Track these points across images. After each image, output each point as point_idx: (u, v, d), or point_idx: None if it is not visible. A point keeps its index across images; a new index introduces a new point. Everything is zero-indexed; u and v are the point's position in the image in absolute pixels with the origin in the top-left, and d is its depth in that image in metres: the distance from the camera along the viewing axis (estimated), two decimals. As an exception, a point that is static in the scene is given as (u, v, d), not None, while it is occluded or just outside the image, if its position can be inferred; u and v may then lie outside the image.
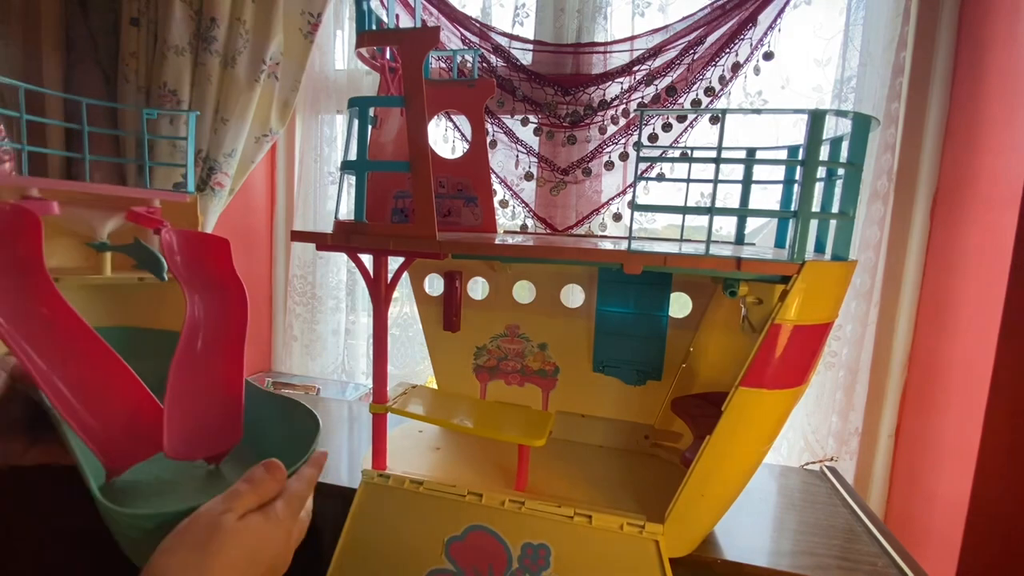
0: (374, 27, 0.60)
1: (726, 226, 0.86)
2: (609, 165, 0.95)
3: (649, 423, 0.66)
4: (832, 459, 0.88)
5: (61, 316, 0.55)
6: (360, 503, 0.56)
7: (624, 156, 0.94)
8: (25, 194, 0.67)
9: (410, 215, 0.68)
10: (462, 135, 1.00)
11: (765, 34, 0.86)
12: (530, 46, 0.96)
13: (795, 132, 0.89)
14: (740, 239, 0.63)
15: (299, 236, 0.55)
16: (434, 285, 0.71)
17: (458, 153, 0.99)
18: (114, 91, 0.96)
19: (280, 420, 0.59)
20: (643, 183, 0.93)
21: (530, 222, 1.00)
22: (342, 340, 1.18)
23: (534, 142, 0.98)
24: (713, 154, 0.42)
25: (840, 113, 0.44)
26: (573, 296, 0.66)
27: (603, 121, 0.93)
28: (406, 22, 0.89)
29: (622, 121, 0.93)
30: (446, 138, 1.02)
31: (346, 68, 1.12)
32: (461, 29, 0.96)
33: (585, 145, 0.95)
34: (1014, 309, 0.66)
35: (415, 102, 0.47)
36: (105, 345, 0.56)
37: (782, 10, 0.84)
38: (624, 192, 0.96)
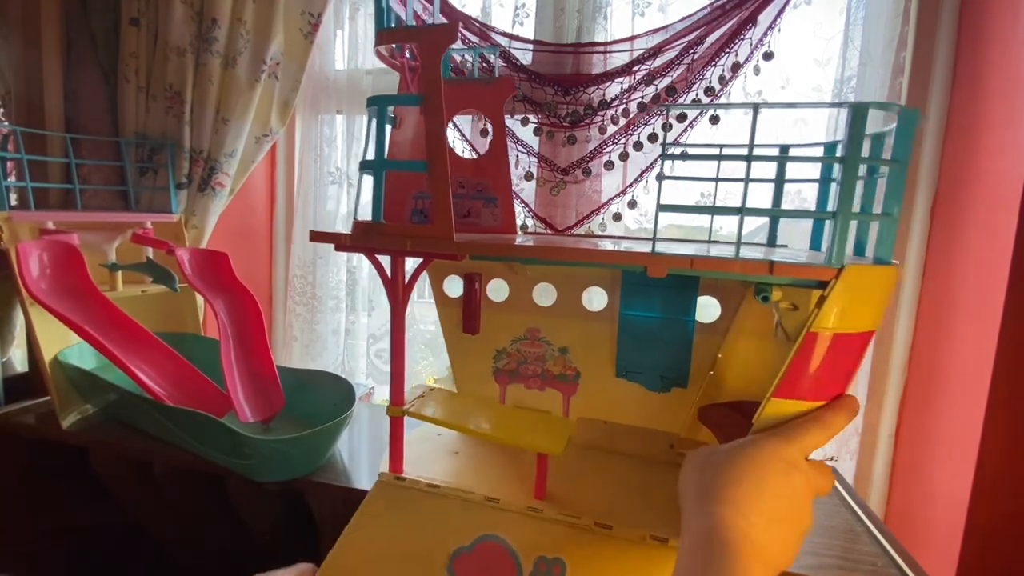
0: (392, 25, 0.58)
1: (726, 226, 0.86)
2: (609, 165, 0.95)
3: (674, 432, 0.62)
4: (832, 459, 0.88)
5: (123, 322, 0.72)
6: (369, 501, 0.55)
7: (624, 156, 0.94)
8: (43, 227, 0.80)
9: (429, 215, 0.67)
10: (462, 135, 1.00)
11: (765, 34, 0.85)
12: (530, 46, 0.96)
13: (795, 132, 0.89)
14: (772, 240, 0.60)
15: (318, 236, 0.53)
16: (454, 287, 0.71)
17: (469, 155, 0.99)
18: (114, 91, 0.96)
19: (309, 387, 0.79)
20: (643, 182, 0.93)
21: (530, 222, 1.00)
22: (342, 340, 1.18)
23: (534, 142, 0.98)
24: (744, 151, 0.39)
25: (883, 106, 0.41)
26: (595, 299, 0.63)
27: (603, 121, 0.93)
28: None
29: (622, 121, 0.93)
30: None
31: (346, 68, 1.12)
32: (461, 29, 0.96)
33: (585, 145, 0.95)
34: (1014, 309, 0.66)
35: (433, 100, 0.46)
36: (157, 339, 0.73)
37: (782, 10, 0.84)
38: (624, 192, 0.96)
